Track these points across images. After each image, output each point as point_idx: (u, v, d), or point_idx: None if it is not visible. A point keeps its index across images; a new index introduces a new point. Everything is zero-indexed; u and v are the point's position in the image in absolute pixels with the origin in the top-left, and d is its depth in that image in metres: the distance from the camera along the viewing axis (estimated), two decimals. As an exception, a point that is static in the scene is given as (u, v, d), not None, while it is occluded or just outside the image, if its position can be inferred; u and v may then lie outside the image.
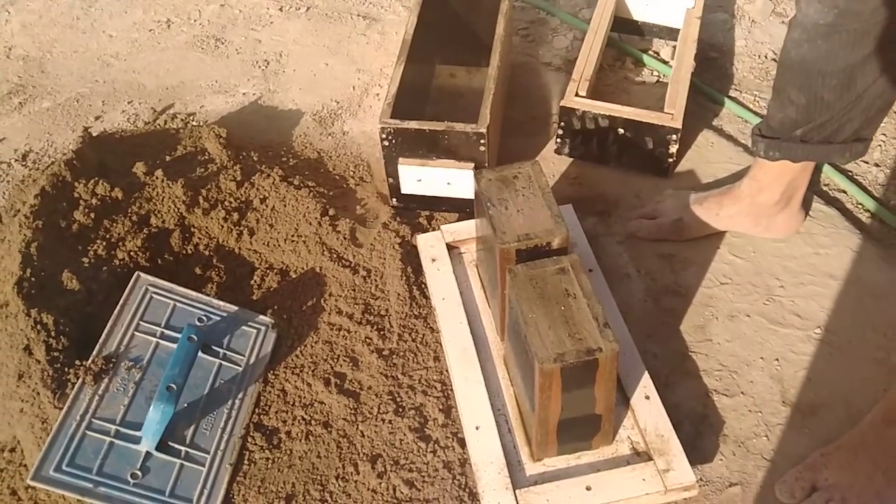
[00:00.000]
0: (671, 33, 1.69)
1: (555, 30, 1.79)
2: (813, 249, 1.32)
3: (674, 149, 1.41)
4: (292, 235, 1.35)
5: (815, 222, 1.36)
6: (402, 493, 1.08)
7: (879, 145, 1.50)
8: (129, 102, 1.66)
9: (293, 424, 1.14)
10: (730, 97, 1.60)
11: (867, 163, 1.47)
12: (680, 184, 1.44)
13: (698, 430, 1.13)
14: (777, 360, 1.20)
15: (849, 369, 1.18)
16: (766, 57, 1.70)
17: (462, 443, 1.11)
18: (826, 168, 1.45)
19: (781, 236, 1.34)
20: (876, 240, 1.34)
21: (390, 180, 1.39)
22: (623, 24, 1.70)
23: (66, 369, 1.11)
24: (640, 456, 1.06)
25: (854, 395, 1.15)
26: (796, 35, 1.10)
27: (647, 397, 1.09)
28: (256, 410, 1.16)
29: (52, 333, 1.13)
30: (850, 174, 1.46)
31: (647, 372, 1.12)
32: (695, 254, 1.34)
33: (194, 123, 1.58)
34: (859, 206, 1.41)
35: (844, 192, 1.43)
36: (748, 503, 1.06)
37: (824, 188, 1.44)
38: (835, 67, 1.08)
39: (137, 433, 1.06)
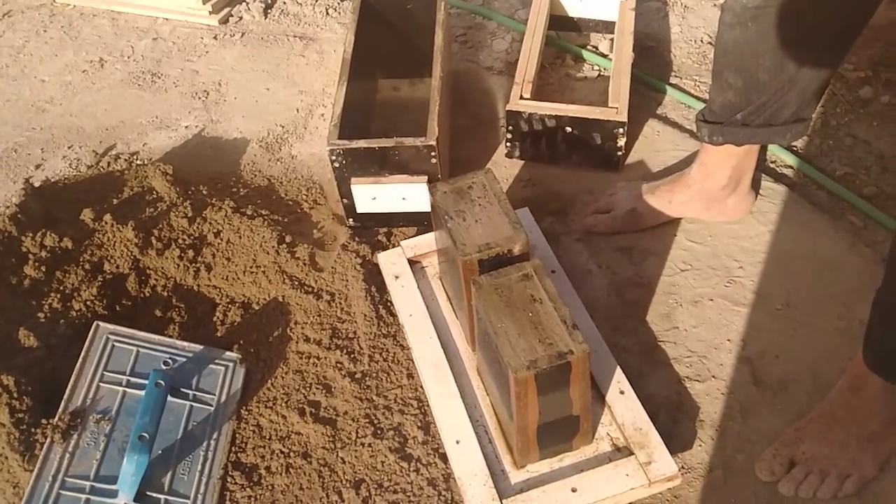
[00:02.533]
0: (608, 27, 1.71)
1: (493, 33, 1.80)
2: (767, 227, 1.35)
3: (622, 142, 1.43)
4: (251, 267, 1.33)
5: (766, 200, 1.39)
6: (389, 515, 1.07)
7: (820, 117, 1.54)
8: (69, 147, 1.62)
9: (272, 459, 1.13)
10: (671, 84, 1.63)
11: (809, 136, 1.51)
12: (631, 175, 1.46)
13: (675, 418, 1.14)
14: (743, 340, 1.22)
15: (813, 342, 1.20)
16: (702, 41, 1.74)
17: (444, 458, 1.11)
18: (771, 146, 1.48)
19: (735, 218, 1.36)
20: (826, 212, 1.38)
21: (345, 201, 1.38)
22: (559, 22, 1.72)
23: (33, 430, 1.08)
24: (621, 451, 1.07)
25: (820, 366, 1.17)
26: (728, 18, 1.12)
27: (622, 392, 1.10)
28: (233, 449, 1.14)
29: (15, 394, 1.09)
30: (795, 149, 1.49)
31: (619, 367, 1.13)
32: (653, 243, 1.35)
33: (139, 162, 1.55)
34: (807, 180, 1.44)
35: (791, 167, 1.46)
36: (731, 486, 1.08)
37: (771, 165, 1.47)
38: (767, 48, 1.10)
39: (113, 487, 1.04)
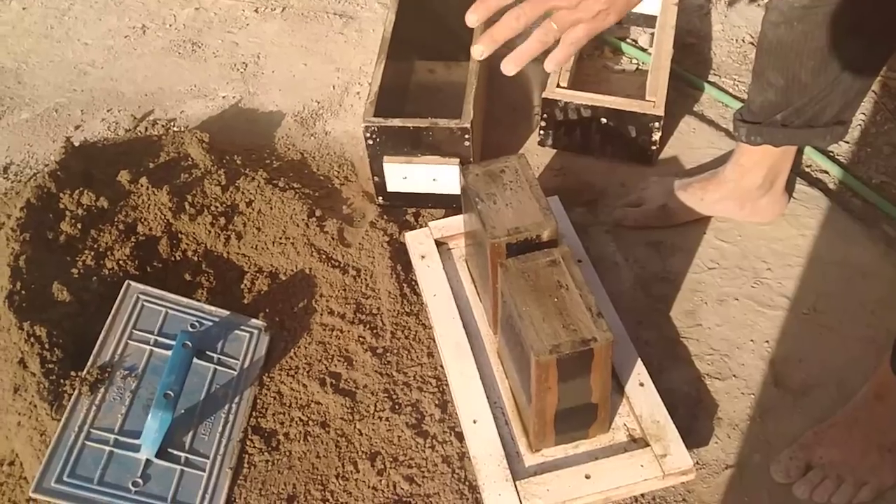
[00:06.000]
0: (648, 21, 1.69)
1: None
2: (798, 231, 1.34)
3: (657, 136, 1.43)
4: (280, 238, 1.34)
5: (800, 204, 1.38)
6: (402, 489, 1.08)
7: (859, 124, 1.52)
8: (108, 110, 1.64)
9: (291, 426, 1.14)
10: (709, 82, 1.62)
11: (848, 142, 1.49)
12: (664, 171, 1.46)
13: (693, 414, 1.14)
14: (767, 341, 1.21)
15: (839, 348, 1.20)
16: (743, 41, 1.72)
17: (460, 437, 1.12)
18: (808, 149, 1.47)
19: (766, 220, 1.35)
20: (860, 219, 1.36)
21: (375, 179, 1.39)
22: (601, 14, 1.71)
23: (62, 381, 1.10)
24: (637, 442, 1.07)
25: (845, 373, 1.16)
26: (773, 17, 1.11)
27: (642, 384, 1.11)
28: (253, 413, 1.16)
29: (46, 346, 1.12)
30: (832, 154, 1.48)
31: (640, 359, 1.13)
32: (682, 240, 1.35)
33: (175, 129, 1.57)
34: (842, 186, 1.43)
35: (827, 172, 1.45)
36: (745, 485, 1.08)
37: (807, 169, 1.46)
38: (811, 48, 1.09)
39: (136, 441, 1.06)
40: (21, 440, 1.09)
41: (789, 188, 1.37)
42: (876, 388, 1.08)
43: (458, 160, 1.33)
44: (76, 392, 1.08)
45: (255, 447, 1.12)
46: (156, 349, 1.16)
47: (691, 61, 1.67)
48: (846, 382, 1.15)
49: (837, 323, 1.22)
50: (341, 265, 1.31)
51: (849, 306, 1.24)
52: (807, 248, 1.32)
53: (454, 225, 1.32)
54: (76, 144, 1.43)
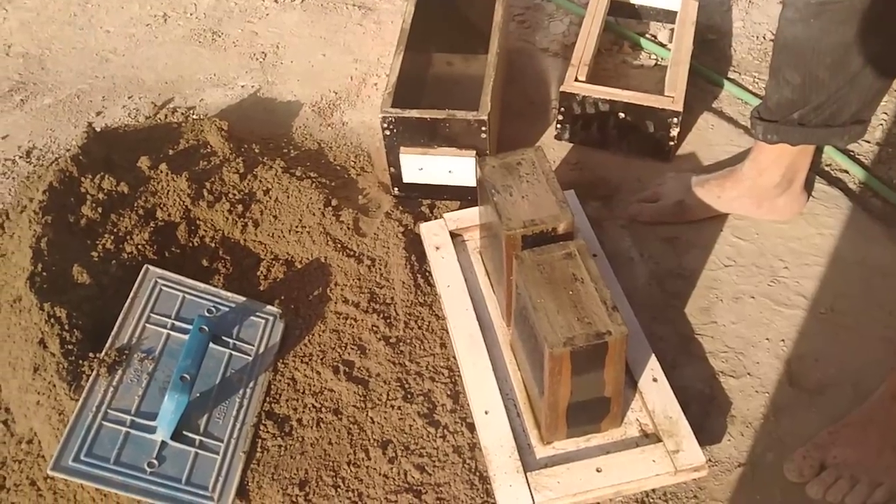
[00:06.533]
0: (668, 16, 1.69)
1: (551, 15, 1.79)
2: (817, 230, 1.33)
3: (675, 132, 1.42)
4: (296, 226, 1.35)
5: (818, 203, 1.37)
6: (413, 477, 1.09)
7: (881, 124, 1.51)
8: (129, 97, 1.66)
9: (304, 412, 1.15)
10: (729, 79, 1.61)
11: (868, 142, 1.48)
12: (681, 167, 1.45)
13: (706, 411, 1.14)
14: (783, 340, 1.21)
15: (856, 348, 1.19)
16: (764, 38, 1.71)
17: (471, 428, 1.12)
18: (827, 148, 1.46)
19: (784, 218, 1.34)
20: (879, 219, 1.35)
21: (391, 169, 1.40)
22: (620, 8, 1.70)
23: (81, 362, 1.12)
24: (649, 438, 1.07)
25: (862, 374, 1.16)
26: (789, 14, 1.10)
27: (655, 380, 1.10)
28: (267, 399, 1.17)
29: (66, 326, 1.13)
30: (852, 154, 1.47)
31: (653, 355, 1.13)
32: (698, 236, 1.34)
33: (195, 117, 1.59)
34: (862, 186, 1.42)
35: (846, 171, 1.44)
36: (757, 483, 1.07)
37: (826, 168, 1.45)
38: (828, 45, 1.08)
39: (152, 423, 1.07)
40: (40, 419, 1.10)
41: (808, 187, 1.36)
42: (892, 388, 1.07)
43: (474, 152, 1.33)
44: (94, 373, 1.10)
45: (268, 432, 1.13)
46: (173, 333, 1.17)
47: (711, 58, 1.66)
48: (862, 382, 1.14)
49: (855, 323, 1.22)
50: (356, 255, 1.32)
51: (867, 307, 1.23)
52: (825, 247, 1.31)
53: (469, 217, 1.32)
54: (98, 130, 1.45)
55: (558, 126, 1.49)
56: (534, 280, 1.00)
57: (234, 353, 1.18)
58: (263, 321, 1.23)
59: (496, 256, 1.16)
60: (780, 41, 1.14)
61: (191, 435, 1.09)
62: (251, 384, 1.16)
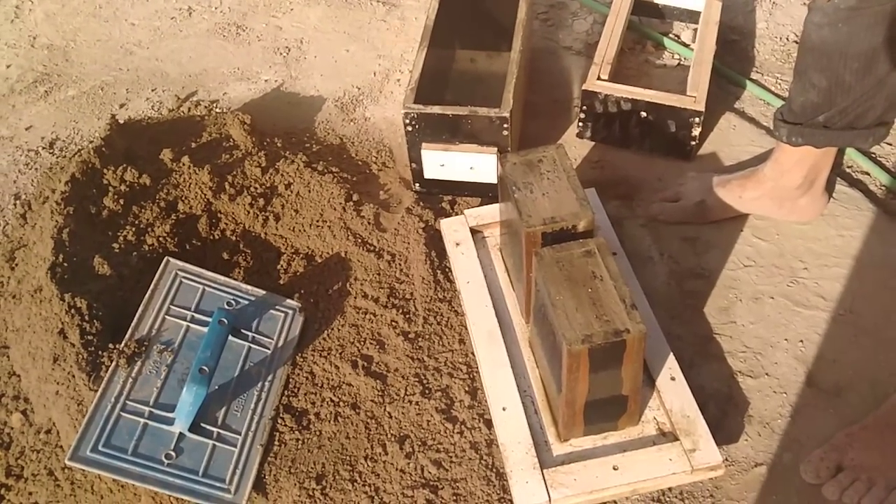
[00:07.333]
0: (692, 16, 1.68)
1: (574, 13, 1.79)
2: (837, 232, 1.32)
3: (696, 131, 1.41)
4: (317, 221, 1.36)
5: (839, 204, 1.36)
6: (430, 472, 1.09)
7: (903, 127, 1.50)
8: (152, 90, 1.67)
9: (322, 406, 1.16)
10: (751, 80, 1.60)
11: (890, 145, 1.47)
12: (702, 167, 1.45)
13: (724, 410, 1.14)
14: (801, 341, 1.20)
15: (875, 351, 1.18)
16: (787, 39, 1.70)
17: (488, 424, 1.12)
18: (849, 150, 1.44)
19: (805, 219, 1.34)
20: (900, 222, 1.34)
21: (413, 165, 1.40)
22: (643, 8, 1.70)
23: (100, 352, 1.13)
24: (666, 436, 1.07)
25: (880, 376, 1.15)
26: (817, 18, 1.09)
27: (673, 378, 1.10)
28: (286, 392, 1.17)
29: (86, 317, 1.15)
30: (874, 156, 1.45)
31: (672, 354, 1.13)
32: (718, 236, 1.34)
33: (218, 110, 1.60)
34: (883, 188, 1.40)
35: (868, 173, 1.43)
36: (773, 483, 1.07)
37: (847, 170, 1.44)
38: (856, 50, 1.08)
39: (170, 415, 1.08)
40: (59, 409, 1.11)
41: (829, 188, 1.35)
42: (912, 392, 1.06)
43: (496, 149, 1.34)
44: (113, 364, 1.11)
45: (286, 425, 1.14)
46: (192, 325, 1.18)
47: (734, 58, 1.65)
48: (880, 385, 1.14)
49: (874, 325, 1.21)
50: (376, 249, 1.32)
51: (887, 309, 1.22)
52: (845, 248, 1.30)
53: (489, 213, 1.32)
54: (121, 122, 1.46)
55: (580, 124, 1.49)
56: (553, 277, 1.00)
57: (252, 346, 1.19)
58: (283, 315, 1.23)
59: (516, 253, 1.16)
60: (806, 44, 1.13)
61: (209, 427, 1.09)
62: (269, 377, 1.17)
